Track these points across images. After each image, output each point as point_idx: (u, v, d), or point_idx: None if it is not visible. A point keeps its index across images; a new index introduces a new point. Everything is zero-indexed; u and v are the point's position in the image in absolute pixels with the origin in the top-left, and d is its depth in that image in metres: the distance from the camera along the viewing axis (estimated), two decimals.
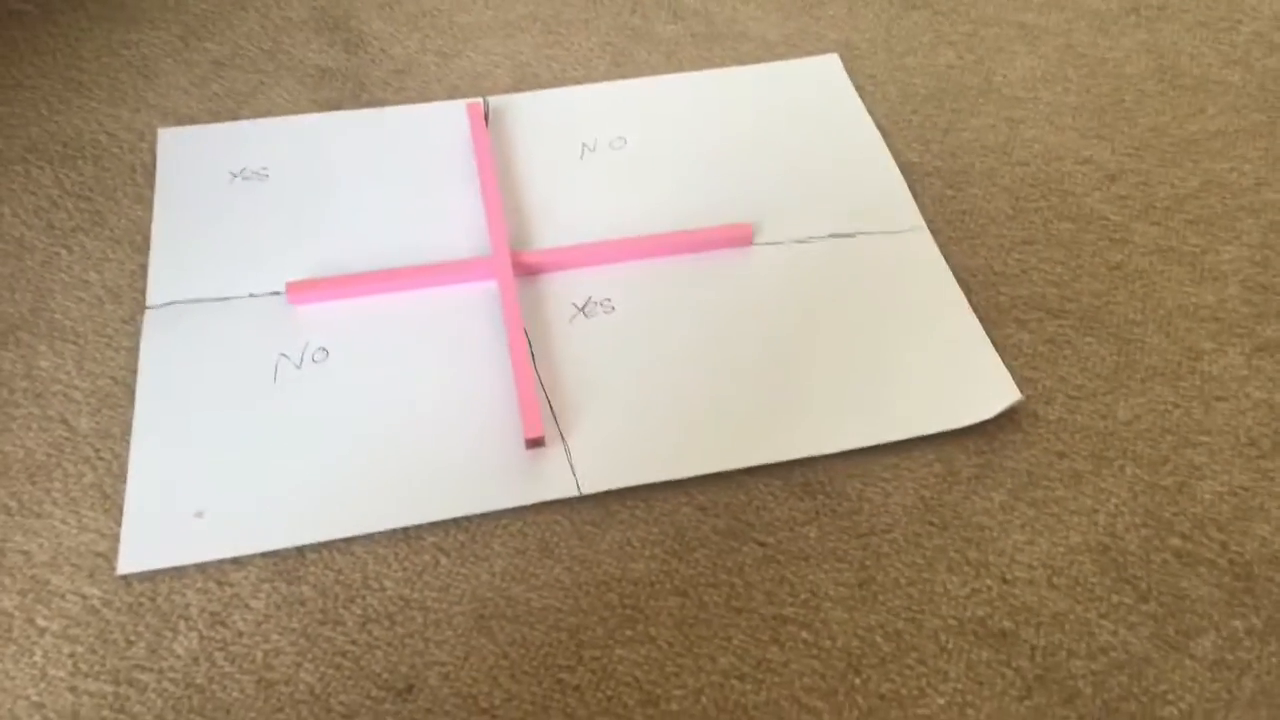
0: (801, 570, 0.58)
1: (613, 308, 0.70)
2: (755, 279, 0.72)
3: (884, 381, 0.66)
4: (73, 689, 0.52)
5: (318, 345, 0.67)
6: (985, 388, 0.66)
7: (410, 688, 0.53)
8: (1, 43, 0.85)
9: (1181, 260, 0.74)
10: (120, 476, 0.60)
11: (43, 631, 0.54)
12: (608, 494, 0.61)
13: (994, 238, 0.75)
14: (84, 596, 0.55)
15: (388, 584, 0.57)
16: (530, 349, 0.67)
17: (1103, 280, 0.73)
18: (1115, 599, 0.58)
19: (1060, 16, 0.92)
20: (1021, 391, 0.66)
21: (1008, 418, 0.65)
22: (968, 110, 0.84)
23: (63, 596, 0.55)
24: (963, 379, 0.66)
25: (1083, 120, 0.84)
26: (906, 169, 0.79)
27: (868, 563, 0.59)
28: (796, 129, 0.82)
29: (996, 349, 0.68)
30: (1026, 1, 0.94)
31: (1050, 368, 0.68)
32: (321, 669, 0.54)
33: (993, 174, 0.79)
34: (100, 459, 0.60)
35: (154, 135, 0.78)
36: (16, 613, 0.55)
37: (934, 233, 0.75)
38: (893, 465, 0.63)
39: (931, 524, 0.61)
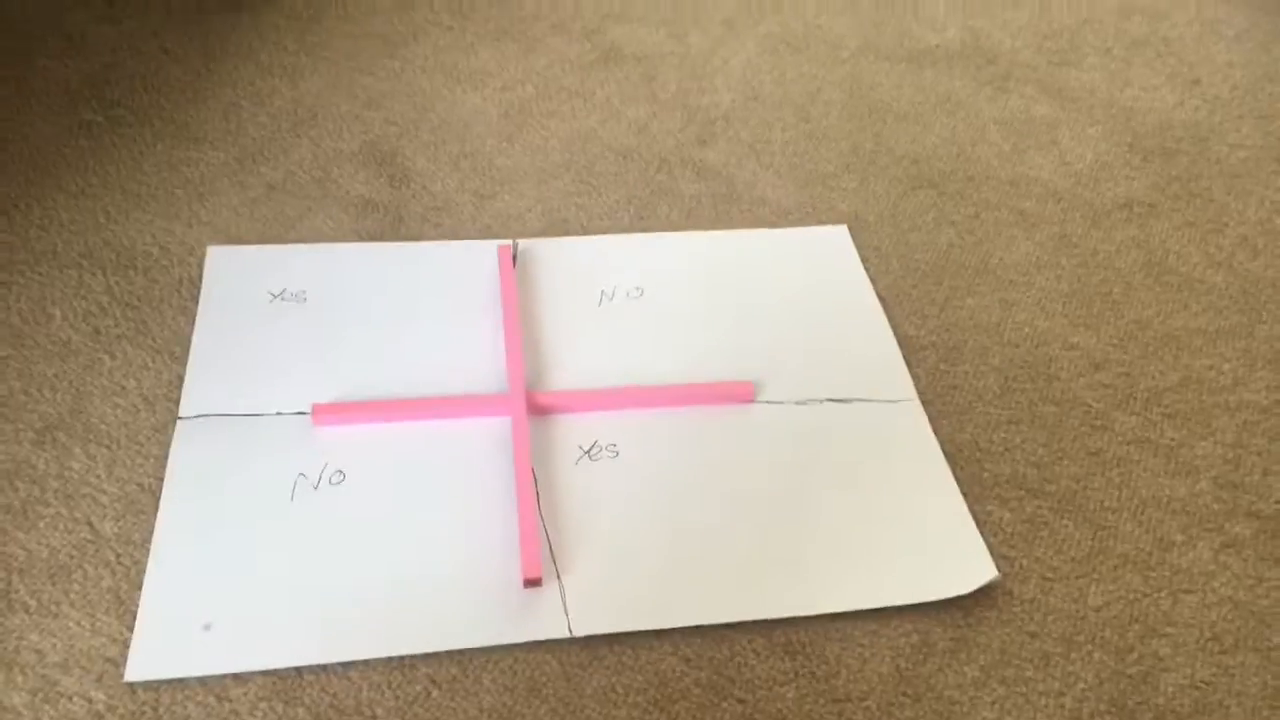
0: None
1: (617, 453, 0.74)
2: (754, 436, 0.76)
3: (870, 548, 0.69)
4: None
5: (335, 467, 0.70)
6: (964, 563, 0.69)
7: None
8: (70, 150, 0.91)
9: (1158, 452, 0.78)
10: (136, 583, 0.63)
11: None
12: (597, 637, 0.64)
13: (981, 414, 0.80)
14: (90, 700, 0.58)
15: (379, 712, 0.59)
16: (536, 488, 0.70)
17: (1082, 465, 0.77)
18: None
19: (1057, 207, 0.99)
20: (999, 568, 0.69)
21: (984, 593, 0.68)
22: (965, 289, 0.89)
23: (70, 699, 0.58)
24: (944, 552, 0.70)
25: (1072, 308, 0.89)
26: (904, 341, 0.84)
27: None
28: (803, 293, 0.87)
29: (977, 525, 0.72)
30: (1027, 190, 1.00)
31: (1027, 547, 0.71)
32: None
33: (985, 352, 0.84)
34: (120, 564, 0.64)
35: (203, 251, 0.83)
36: (25, 711, 0.57)
37: (925, 404, 0.79)
38: (872, 631, 0.66)
39: (905, 695, 0.63)
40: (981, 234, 0.95)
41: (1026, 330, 0.87)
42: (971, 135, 1.06)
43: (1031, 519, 0.73)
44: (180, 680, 0.59)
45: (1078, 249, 0.95)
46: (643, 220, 0.93)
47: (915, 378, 0.81)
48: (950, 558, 0.69)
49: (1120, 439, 0.79)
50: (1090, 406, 0.81)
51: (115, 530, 0.65)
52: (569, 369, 0.79)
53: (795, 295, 0.87)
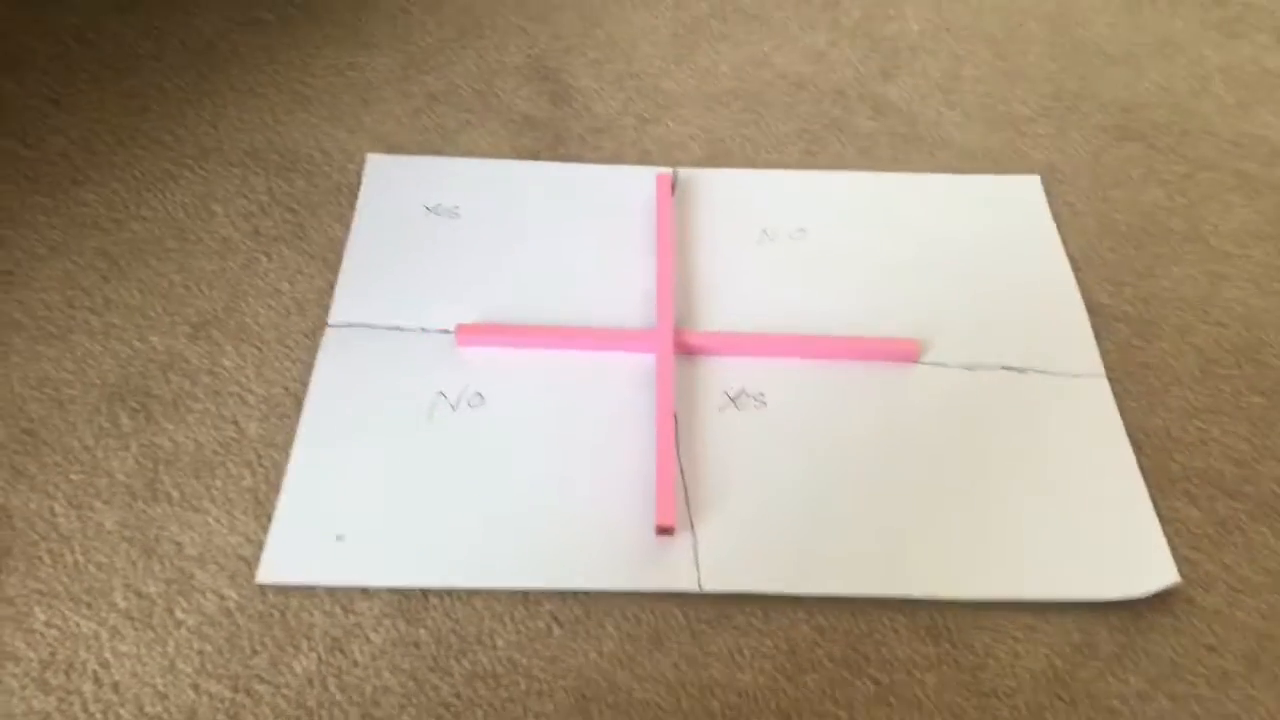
0: (913, 718, 0.56)
1: (764, 403, 0.70)
2: (915, 399, 0.70)
3: (1032, 534, 0.63)
4: (195, 687, 0.55)
5: (475, 389, 0.69)
6: (1141, 562, 0.62)
7: None
8: (243, 47, 0.91)
9: None
10: (275, 486, 0.63)
11: (179, 624, 0.57)
12: (727, 595, 0.60)
13: (1177, 400, 0.71)
14: (222, 597, 0.58)
15: (500, 643, 0.58)
16: (676, 433, 0.67)
17: None
18: None
19: None
20: (1180, 572, 0.62)
21: (1160, 598, 0.61)
22: (1169, 256, 0.80)
23: (203, 593, 0.59)
24: (1118, 547, 0.63)
25: None
26: (1094, 309, 0.76)
27: None
28: (983, 247, 0.80)
29: (1160, 522, 0.64)
30: (1252, 150, 0.89)
31: (1215, 552, 0.64)
32: (424, 718, 0.55)
33: (1186, 330, 0.75)
34: (261, 465, 0.64)
35: (363, 158, 0.82)
36: (159, 601, 0.58)
37: (1112, 382, 0.72)
38: (1027, 626, 0.60)
39: (1059, 698, 0.57)
40: (1195, 196, 0.85)
41: (1238, 309, 0.77)
42: (1192, 85, 0.95)
43: (1223, 522, 0.65)
44: (309, 587, 0.59)
45: None
46: (812, 156, 0.87)
47: (1104, 352, 0.73)
48: (1126, 555, 0.63)
49: None
50: None
51: (259, 431, 0.66)
52: (721, 309, 0.75)
53: (975, 249, 0.79)
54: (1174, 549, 0.63)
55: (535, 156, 0.85)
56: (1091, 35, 1.00)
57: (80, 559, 0.59)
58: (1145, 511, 0.65)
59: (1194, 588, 0.62)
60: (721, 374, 0.71)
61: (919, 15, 1.01)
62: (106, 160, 0.80)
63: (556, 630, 0.59)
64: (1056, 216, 0.82)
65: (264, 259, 0.75)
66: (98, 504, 0.61)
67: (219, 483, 0.63)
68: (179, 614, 0.58)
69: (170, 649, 0.56)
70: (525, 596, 0.60)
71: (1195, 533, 0.65)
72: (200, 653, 0.56)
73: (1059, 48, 0.98)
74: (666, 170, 0.83)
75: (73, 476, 0.63)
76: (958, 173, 0.85)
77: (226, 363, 0.69)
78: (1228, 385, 0.72)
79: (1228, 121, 0.91)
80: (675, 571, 0.61)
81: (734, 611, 0.60)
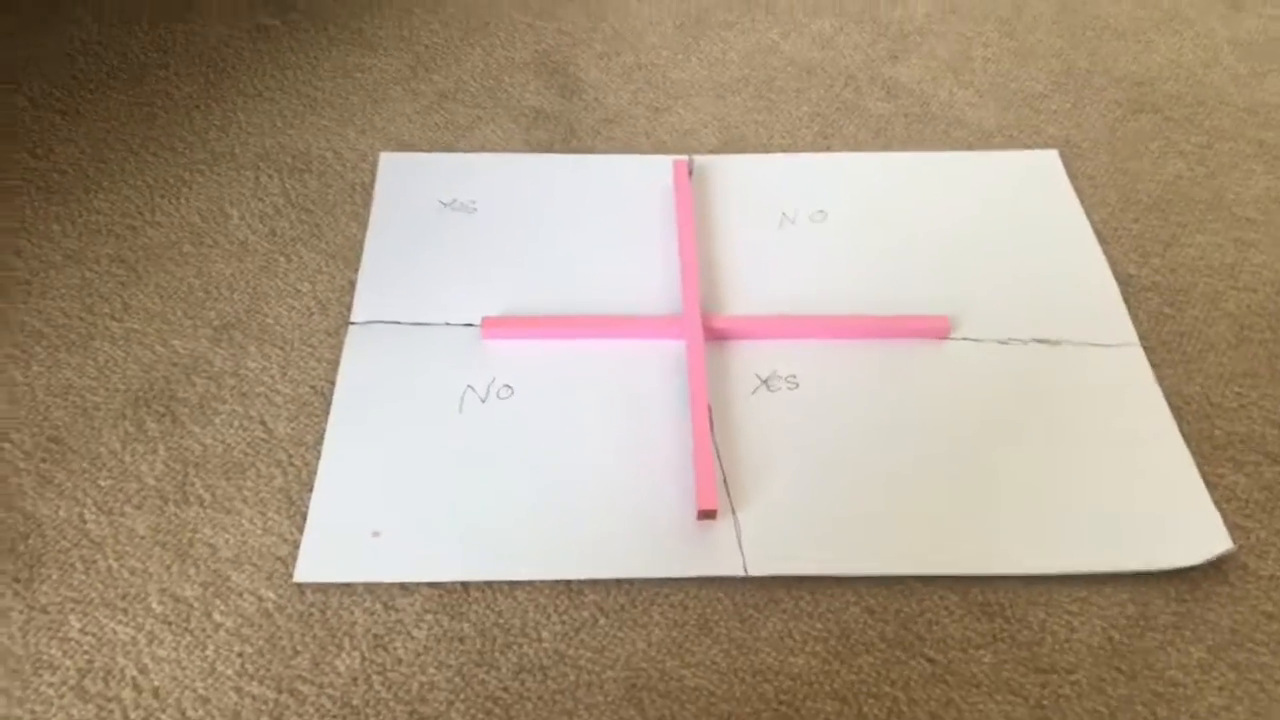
0: (972, 697, 0.55)
1: (797, 384, 0.69)
2: (949, 375, 0.69)
3: (1080, 506, 0.62)
4: (237, 689, 0.54)
5: (504, 382, 0.68)
6: (1192, 530, 0.61)
7: None
8: (248, 53, 0.91)
9: None
10: (307, 484, 0.62)
11: (218, 627, 0.56)
12: (773, 579, 0.59)
13: (1213, 366, 0.70)
14: (260, 598, 0.57)
15: (545, 635, 0.57)
16: (710, 417, 0.66)
17: None
18: None
19: None
20: (1233, 540, 0.61)
21: (1214, 567, 0.60)
22: (1194, 225, 0.79)
23: (240, 595, 0.57)
24: (1167, 517, 0.62)
25: None
26: (1122, 280, 0.75)
27: (1045, 702, 0.55)
28: (1006, 223, 0.79)
29: (1207, 489, 0.63)
30: (1267, 118, 0.88)
31: (1267, 518, 0.63)
32: (473, 712, 0.54)
33: (1217, 297, 0.75)
34: (292, 464, 0.63)
35: (375, 157, 0.81)
36: (196, 604, 0.57)
37: (1147, 352, 0.71)
38: (1081, 599, 0.59)
39: (1119, 670, 0.56)
40: (1214, 165, 0.84)
41: (1266, 274, 0.76)
42: (1202, 56, 0.94)
43: (1272, 486, 0.64)
44: (348, 585, 0.58)
45: None
46: (826, 140, 0.86)
47: (1136, 322, 0.72)
48: (1175, 524, 0.62)
49: None
50: None
51: (288, 431, 0.64)
52: (746, 293, 0.74)
53: (998, 224, 0.79)
54: (1224, 516, 0.62)
55: (548, 150, 0.84)
56: (1099, 11, 0.99)
57: (113, 564, 0.58)
58: (1192, 479, 0.64)
59: (1248, 554, 0.61)
60: (751, 357, 0.70)
61: None
62: (118, 168, 0.79)
63: (602, 620, 0.58)
64: (1077, 190, 0.82)
65: (282, 260, 0.74)
66: (128, 509, 0.60)
67: (250, 483, 0.62)
68: (217, 616, 0.56)
69: (210, 652, 0.55)
70: (568, 587, 0.59)
71: (1244, 499, 0.64)
72: (241, 655, 0.55)
73: (1067, 24, 0.98)
74: (683, 157, 0.82)
75: (101, 483, 0.61)
76: (973, 150, 0.85)
77: (251, 364, 0.68)
78: (1264, 350, 0.71)
79: (1241, 91, 0.91)
80: (720, 557, 0.60)
81: (782, 595, 0.59)
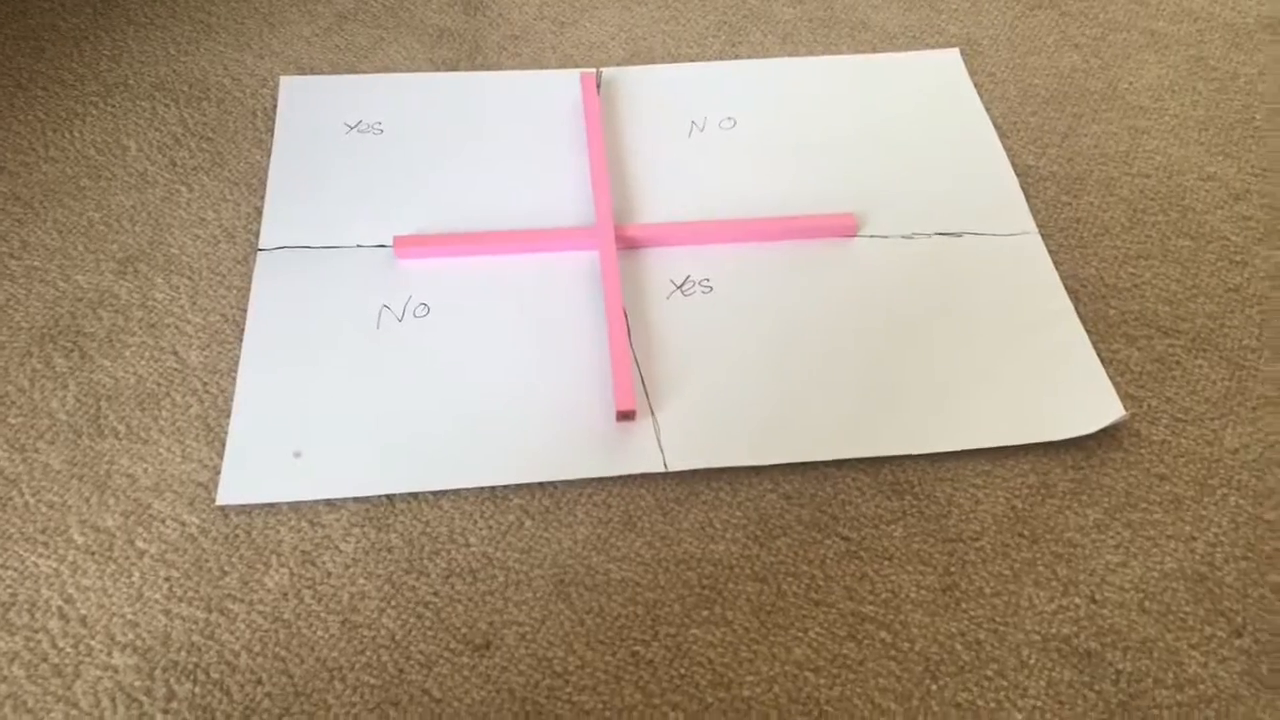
0: (884, 569, 0.58)
1: (710, 288, 0.70)
2: (857, 271, 0.71)
3: (982, 386, 0.65)
4: (166, 611, 0.54)
5: (420, 300, 0.68)
6: (1088, 402, 0.64)
7: (488, 644, 0.54)
8: None
9: None
10: (225, 411, 0.61)
11: (142, 554, 0.56)
12: (693, 473, 0.61)
13: (1108, 249, 0.73)
14: (183, 524, 0.57)
15: (472, 540, 0.58)
16: (627, 323, 0.67)
17: (1218, 302, 0.70)
18: (1208, 630, 0.56)
19: (1192, 27, 0.89)
20: (1126, 409, 0.64)
21: (1109, 434, 0.63)
22: (1089, 116, 0.82)
23: (163, 521, 0.57)
24: (1065, 391, 0.65)
25: (1209, 135, 0.81)
26: (1021, 171, 0.77)
27: (952, 569, 0.58)
28: (910, 122, 0.80)
29: (1103, 364, 0.66)
30: (1158, 9, 0.90)
31: (1157, 387, 0.66)
32: (404, 617, 0.55)
33: (1111, 184, 0.77)
34: (207, 392, 0.62)
35: (276, 82, 0.80)
36: (118, 533, 0.57)
37: (1045, 239, 0.73)
38: (985, 472, 0.62)
39: (1021, 535, 0.59)
40: (1108, 57, 0.86)
41: (1158, 159, 0.79)
42: None
43: (1162, 358, 0.67)
44: (272, 506, 0.58)
45: (1216, 72, 0.85)
46: (734, 47, 0.86)
47: (1035, 211, 0.75)
48: (1073, 397, 0.65)
49: (1261, 275, 0.72)
50: (1229, 240, 0.74)
51: (201, 359, 0.64)
52: (658, 202, 0.74)
53: (902, 124, 0.80)
54: (1118, 387, 0.65)
55: (454, 68, 0.83)
56: None
57: (30, 500, 0.57)
58: (1088, 355, 0.67)
59: (1140, 422, 0.65)
60: (665, 264, 0.71)
61: None
62: (6, 105, 0.77)
63: (528, 522, 0.59)
64: (978, 86, 0.83)
65: (184, 190, 0.73)
66: (41, 444, 0.59)
67: (166, 413, 0.61)
68: (140, 544, 0.56)
69: (136, 578, 0.55)
70: (493, 493, 0.60)
71: (1136, 370, 0.67)
72: (168, 579, 0.55)
73: None
74: (590, 70, 0.82)
75: (11, 420, 0.60)
76: (878, 52, 0.86)
77: (159, 295, 0.67)
78: (1155, 232, 0.74)
79: None
80: (640, 455, 0.61)
81: (702, 488, 0.61)
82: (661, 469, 0.61)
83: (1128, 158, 0.79)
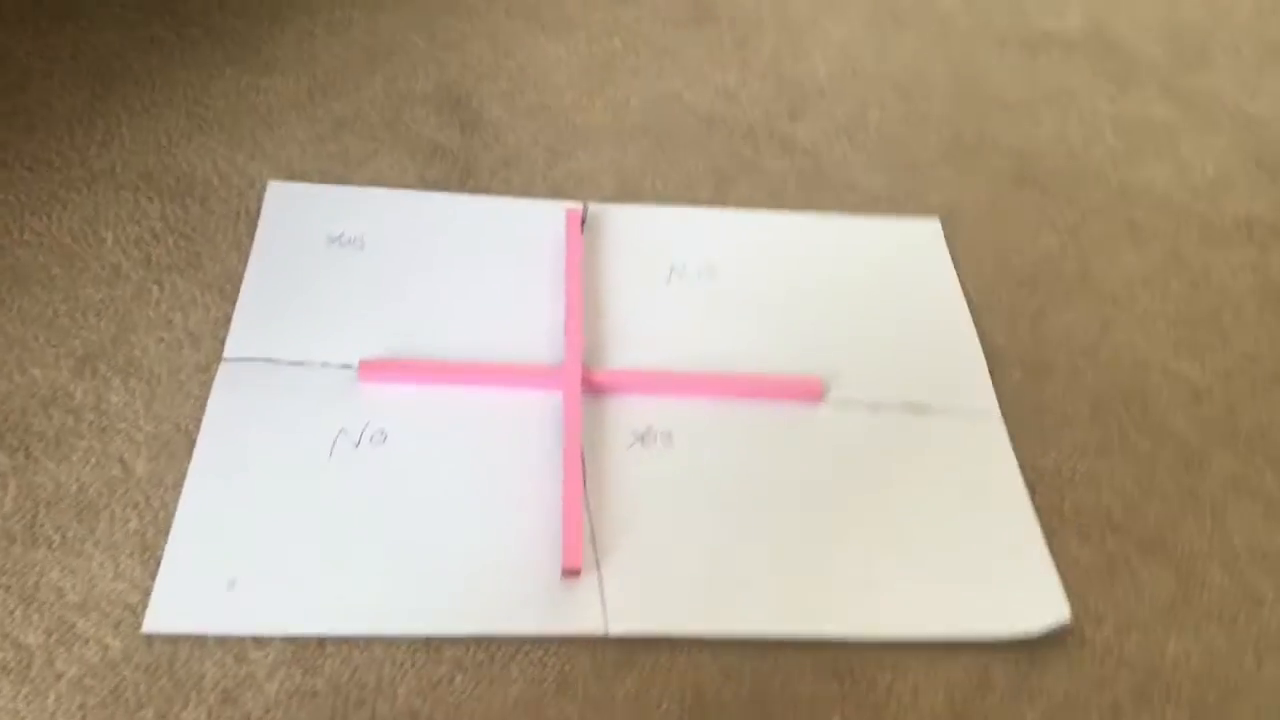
0: None
1: (671, 442, 0.70)
2: (819, 438, 0.71)
3: (933, 574, 0.65)
4: None
5: (378, 426, 0.67)
6: (1035, 600, 0.64)
7: None
8: (138, 65, 0.88)
9: (1257, 498, 0.72)
10: (164, 529, 0.60)
11: (59, 676, 0.54)
12: (633, 638, 0.60)
13: (1068, 440, 0.74)
14: (105, 647, 0.56)
15: (400, 693, 0.56)
16: (584, 471, 0.66)
17: (1172, 504, 0.71)
18: None
19: (1170, 220, 0.91)
20: (1072, 608, 0.64)
21: (1052, 634, 0.63)
22: (1061, 300, 0.83)
23: (85, 643, 0.56)
24: (1014, 586, 0.65)
25: (1178, 332, 0.82)
26: (990, 351, 0.78)
27: None
28: (886, 288, 0.81)
29: (1053, 559, 0.66)
30: (1139, 199, 0.93)
31: (1105, 589, 0.66)
32: None
33: (1077, 372, 0.78)
34: (149, 506, 0.61)
35: (263, 184, 0.80)
36: (39, 651, 0.55)
37: (1007, 423, 0.74)
38: (928, 662, 0.61)
39: None
40: (1086, 242, 0.88)
41: (1125, 352, 0.80)
42: (1085, 134, 0.99)
43: (1113, 558, 0.68)
44: (199, 637, 0.57)
45: (1188, 268, 0.87)
46: (721, 194, 0.88)
47: (999, 393, 0.75)
48: (1021, 593, 0.64)
49: (1217, 480, 0.73)
50: (1187, 442, 0.75)
51: (148, 470, 0.63)
52: (629, 346, 0.75)
53: (877, 290, 0.81)
54: (1066, 585, 0.65)
55: (444, 187, 0.83)
56: (991, 83, 1.03)
57: None
58: (1039, 550, 0.67)
59: (1086, 623, 0.64)
60: (629, 412, 0.71)
61: (827, 58, 1.03)
62: None
63: (459, 678, 0.57)
64: (956, 256, 0.85)
65: (156, 289, 0.72)
66: None
67: (104, 525, 0.60)
68: (59, 665, 0.54)
69: (50, 702, 0.53)
70: (427, 643, 0.58)
71: (1086, 568, 0.67)
72: (82, 707, 0.53)
73: (960, 95, 1.01)
74: (576, 205, 0.83)
75: None
76: (862, 213, 0.87)
77: (114, 398, 0.66)
78: (1116, 426, 0.75)
79: (1117, 170, 0.96)
80: (581, 615, 0.60)
81: (641, 655, 0.60)
82: (603, 631, 0.60)
83: (1095, 347, 0.80)
